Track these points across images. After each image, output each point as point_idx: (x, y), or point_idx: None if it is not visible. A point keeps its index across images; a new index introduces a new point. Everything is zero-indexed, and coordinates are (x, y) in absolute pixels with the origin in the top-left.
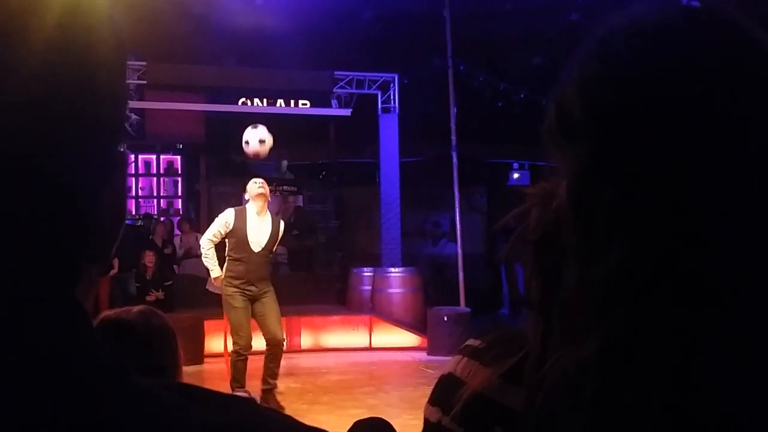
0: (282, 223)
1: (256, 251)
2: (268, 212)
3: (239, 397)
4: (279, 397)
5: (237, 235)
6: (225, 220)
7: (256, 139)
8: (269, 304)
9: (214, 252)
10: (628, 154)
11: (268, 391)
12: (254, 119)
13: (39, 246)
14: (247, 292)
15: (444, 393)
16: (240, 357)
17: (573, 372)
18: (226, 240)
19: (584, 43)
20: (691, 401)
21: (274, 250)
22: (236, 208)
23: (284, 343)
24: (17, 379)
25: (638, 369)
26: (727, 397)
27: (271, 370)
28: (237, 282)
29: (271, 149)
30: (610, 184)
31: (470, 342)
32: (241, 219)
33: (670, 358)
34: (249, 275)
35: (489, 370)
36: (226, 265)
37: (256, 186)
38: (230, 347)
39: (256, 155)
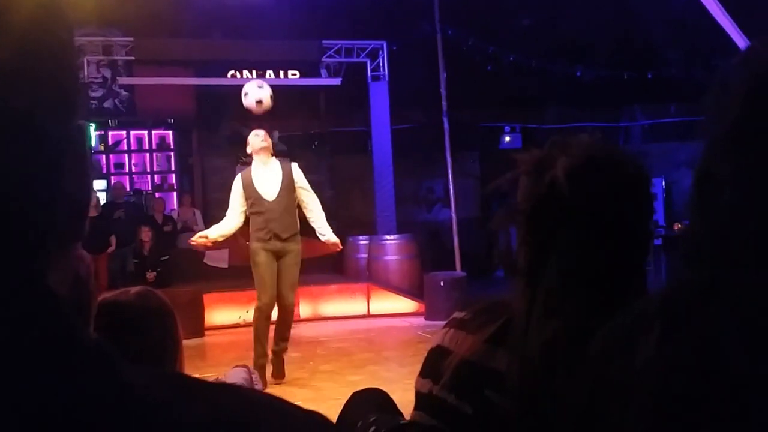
0: (294, 165)
1: (270, 200)
2: (274, 160)
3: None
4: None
5: (250, 192)
6: (235, 187)
7: (254, 99)
8: (289, 267)
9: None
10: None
11: (277, 353)
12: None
13: None
14: (269, 248)
15: (433, 364)
16: (262, 314)
17: (546, 341)
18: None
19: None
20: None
21: (295, 197)
22: (242, 171)
23: (293, 309)
24: None
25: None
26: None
27: (281, 333)
28: (260, 234)
29: (266, 111)
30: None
31: (456, 314)
32: (247, 177)
33: (622, 333)
34: (269, 224)
35: (474, 337)
36: (250, 223)
37: (258, 139)
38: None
39: (249, 110)
